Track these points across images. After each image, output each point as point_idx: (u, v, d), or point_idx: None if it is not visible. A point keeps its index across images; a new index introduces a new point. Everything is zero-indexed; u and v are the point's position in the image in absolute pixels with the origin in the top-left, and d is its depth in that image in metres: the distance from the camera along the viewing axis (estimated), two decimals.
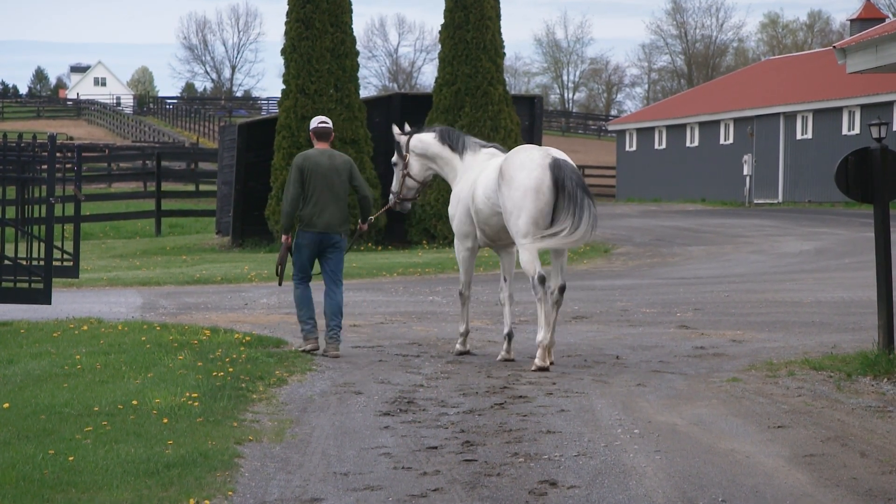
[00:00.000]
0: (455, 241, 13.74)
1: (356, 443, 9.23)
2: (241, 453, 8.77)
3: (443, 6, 30.64)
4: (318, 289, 13.73)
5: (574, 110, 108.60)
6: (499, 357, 13.16)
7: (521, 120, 31.00)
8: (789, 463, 8.58)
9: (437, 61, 31.78)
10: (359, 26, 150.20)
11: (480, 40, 30.18)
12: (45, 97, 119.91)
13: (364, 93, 33.17)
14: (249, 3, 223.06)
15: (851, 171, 12.14)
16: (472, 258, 13.59)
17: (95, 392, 10.63)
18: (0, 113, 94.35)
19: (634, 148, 60.60)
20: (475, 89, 30.19)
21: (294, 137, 29.21)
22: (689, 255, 27.65)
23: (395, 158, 14.16)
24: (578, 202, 12.45)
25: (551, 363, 12.58)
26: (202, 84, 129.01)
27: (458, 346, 13.56)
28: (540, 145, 32.20)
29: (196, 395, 10.53)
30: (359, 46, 30.48)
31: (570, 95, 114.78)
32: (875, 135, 12.39)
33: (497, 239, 13.31)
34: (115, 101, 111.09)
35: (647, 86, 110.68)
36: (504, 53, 30.91)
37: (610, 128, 69.75)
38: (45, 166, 16.24)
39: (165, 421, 9.61)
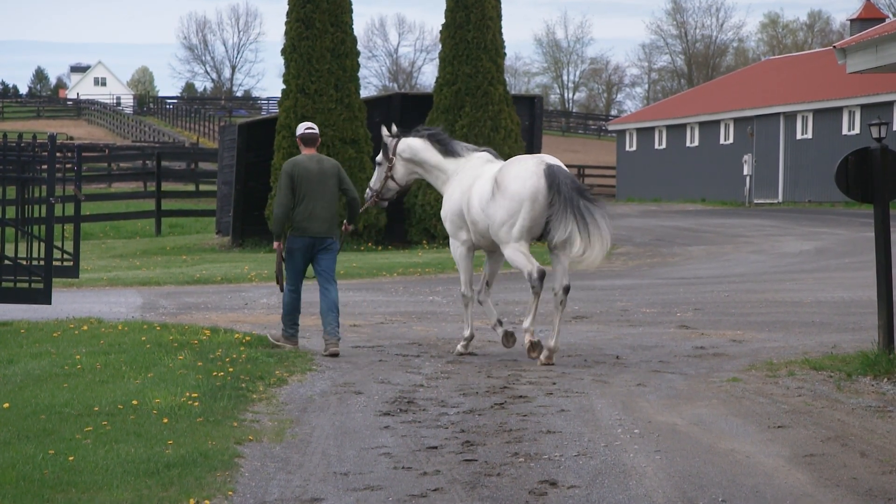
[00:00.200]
0: (451, 242, 13.81)
1: (356, 443, 9.23)
2: (241, 453, 8.77)
3: (443, 6, 30.65)
4: (314, 289, 13.71)
5: (574, 110, 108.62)
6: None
7: (521, 120, 31.01)
8: (789, 463, 8.58)
9: (436, 61, 31.82)
10: (359, 26, 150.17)
11: (481, 40, 30.18)
12: (46, 97, 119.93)
13: (364, 93, 33.17)
14: (249, 3, 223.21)
15: (851, 170, 12.14)
16: (469, 256, 13.65)
17: (95, 392, 10.63)
18: (0, 113, 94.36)
19: (634, 148, 60.60)
20: (476, 89, 30.19)
21: (294, 137, 29.18)
22: (689, 255, 27.66)
23: (379, 157, 14.22)
24: (578, 208, 12.59)
25: (552, 362, 12.71)
26: (202, 84, 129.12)
27: (459, 348, 13.57)
28: (540, 145, 32.45)
29: (196, 394, 10.53)
30: (359, 46, 30.48)
31: (571, 95, 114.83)
32: (875, 135, 12.39)
33: (493, 247, 13.46)
34: (115, 101, 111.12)
35: (647, 86, 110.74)
36: (505, 53, 30.93)
37: (610, 128, 69.76)
38: (45, 166, 16.25)
39: (165, 421, 9.61)
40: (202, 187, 44.87)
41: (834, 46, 14.40)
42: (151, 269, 25.18)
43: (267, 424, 9.83)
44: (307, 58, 29.45)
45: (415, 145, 13.96)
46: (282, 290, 13.80)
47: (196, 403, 10.23)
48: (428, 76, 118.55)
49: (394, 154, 14.03)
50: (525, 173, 12.88)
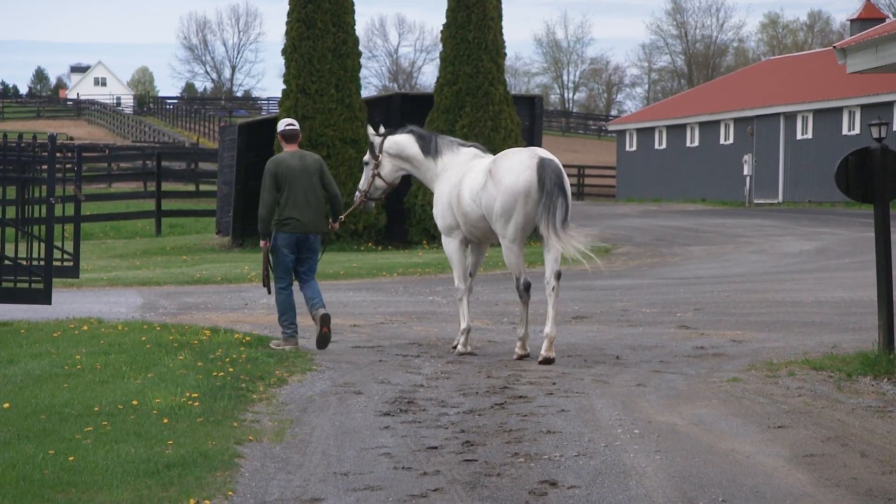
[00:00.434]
0: (443, 238, 13.96)
1: (356, 443, 9.23)
2: (241, 453, 8.77)
3: (443, 6, 30.65)
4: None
5: (574, 110, 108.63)
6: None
7: (521, 120, 31.02)
8: (789, 463, 8.58)
9: (437, 61, 31.84)
10: (359, 26, 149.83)
11: (482, 40, 30.18)
12: (46, 97, 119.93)
13: (364, 93, 33.18)
14: (249, 3, 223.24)
15: (852, 170, 12.14)
16: (461, 251, 13.80)
17: (95, 392, 10.63)
18: (0, 113, 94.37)
19: (634, 148, 60.60)
20: (476, 89, 30.19)
21: None
22: (689, 255, 27.65)
23: (366, 157, 14.37)
24: (553, 200, 12.84)
25: (552, 359, 12.83)
26: (202, 84, 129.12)
27: (459, 348, 13.61)
28: (540, 146, 32.44)
29: (196, 395, 10.53)
30: (359, 46, 30.47)
31: (571, 95, 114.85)
32: (875, 135, 12.39)
33: (483, 239, 13.70)
34: (115, 101, 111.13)
35: (647, 86, 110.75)
36: (505, 54, 30.92)
37: (610, 128, 69.76)
38: (45, 166, 16.24)
39: (165, 421, 9.61)
40: (202, 187, 44.87)
41: (834, 46, 14.40)
42: (151, 270, 25.18)
43: (267, 424, 9.83)
44: (308, 58, 29.45)
45: (401, 141, 14.16)
46: (269, 291, 13.92)
47: (196, 403, 10.23)
48: (428, 76, 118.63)
49: (380, 152, 14.19)
50: (519, 166, 13.05)
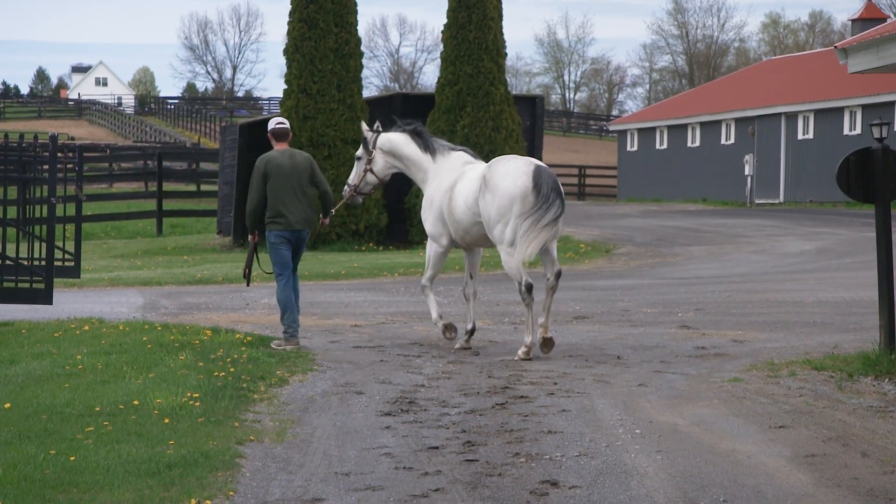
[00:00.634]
0: (428, 241, 14.23)
1: (357, 443, 9.23)
2: (242, 453, 8.78)
3: (444, 6, 30.67)
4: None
5: (575, 110, 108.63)
6: (456, 345, 13.83)
7: (522, 120, 31.01)
8: (790, 463, 8.58)
9: (438, 61, 31.83)
10: (360, 26, 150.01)
11: (483, 40, 30.19)
12: (47, 97, 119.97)
13: (365, 93, 33.16)
14: (251, 3, 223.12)
15: (853, 171, 12.14)
16: (442, 257, 14.18)
17: (97, 392, 10.63)
18: (1, 113, 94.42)
19: (636, 148, 60.60)
20: (477, 89, 30.19)
21: (295, 137, 29.21)
22: (690, 255, 27.65)
23: (359, 152, 14.58)
24: (550, 200, 13.05)
25: (547, 335, 13.19)
26: (203, 84, 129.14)
27: (443, 334, 14.14)
28: (541, 146, 32.43)
29: (197, 395, 10.53)
30: (360, 47, 30.47)
31: (572, 95, 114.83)
32: (876, 135, 12.39)
33: (475, 244, 13.95)
34: (116, 101, 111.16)
35: (648, 86, 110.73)
36: (506, 53, 30.93)
37: (611, 128, 69.75)
38: (46, 166, 16.25)
39: (167, 421, 9.61)
40: (203, 187, 44.90)
41: (835, 46, 14.40)
42: (153, 270, 25.19)
43: (268, 424, 9.83)
44: (310, 58, 29.45)
45: (395, 139, 14.37)
46: (247, 284, 14.50)
47: (197, 403, 10.24)
48: (429, 76, 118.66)
49: (374, 148, 14.40)
50: (515, 172, 13.24)
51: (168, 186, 41.62)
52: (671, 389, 11.26)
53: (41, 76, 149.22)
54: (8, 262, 15.54)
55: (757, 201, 49.73)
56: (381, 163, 14.43)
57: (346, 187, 14.64)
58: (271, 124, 14.04)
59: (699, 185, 55.03)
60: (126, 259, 28.87)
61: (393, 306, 18.27)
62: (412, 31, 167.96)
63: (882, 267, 12.11)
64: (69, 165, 21.87)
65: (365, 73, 31.25)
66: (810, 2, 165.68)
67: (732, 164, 52.26)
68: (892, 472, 8.36)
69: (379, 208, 29.82)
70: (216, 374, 11.55)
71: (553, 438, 9.28)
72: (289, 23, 29.86)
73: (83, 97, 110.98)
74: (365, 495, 7.87)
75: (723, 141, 54.28)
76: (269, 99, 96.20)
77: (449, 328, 14.18)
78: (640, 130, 60.45)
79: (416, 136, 14.28)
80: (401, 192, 30.11)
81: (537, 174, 13.14)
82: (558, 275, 13.30)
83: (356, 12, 30.06)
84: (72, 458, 8.37)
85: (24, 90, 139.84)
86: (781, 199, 49.33)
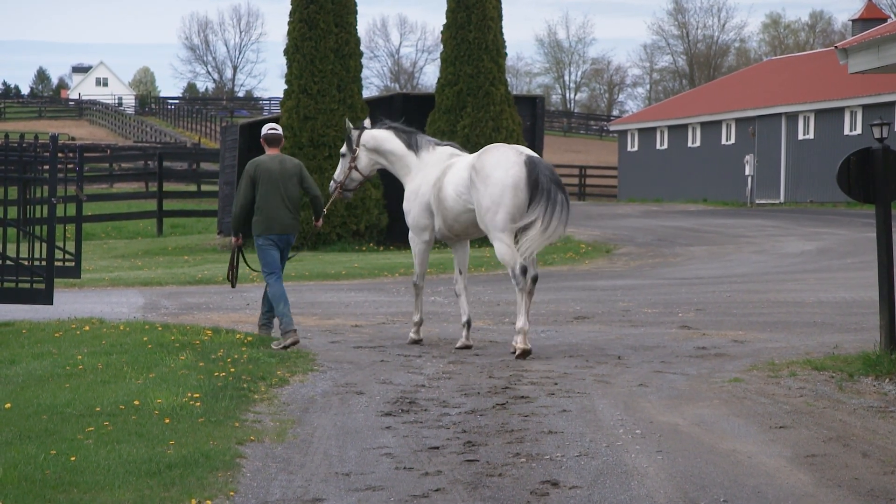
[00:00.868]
0: (411, 234, 14.47)
1: (358, 443, 9.23)
2: (242, 453, 8.78)
3: (444, 6, 30.64)
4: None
5: (576, 110, 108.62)
6: (458, 344, 13.88)
7: (522, 120, 31.00)
8: (791, 463, 8.58)
9: (438, 61, 31.78)
10: (360, 26, 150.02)
11: (482, 40, 30.18)
12: (47, 97, 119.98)
13: (365, 93, 33.20)
14: (251, 4, 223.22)
15: (853, 171, 12.14)
16: (427, 251, 14.40)
17: (97, 392, 10.63)
18: (2, 113, 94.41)
19: (636, 148, 60.60)
20: (477, 89, 30.18)
21: (296, 138, 29.21)
22: (690, 255, 27.65)
23: (343, 150, 14.83)
24: (552, 197, 13.09)
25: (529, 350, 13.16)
26: (204, 84, 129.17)
27: (411, 335, 14.26)
28: (542, 146, 32.42)
29: (198, 395, 10.53)
30: (361, 47, 30.48)
31: (572, 96, 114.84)
32: (877, 135, 12.39)
33: (464, 234, 14.08)
34: (116, 101, 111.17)
35: (648, 86, 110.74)
36: (506, 54, 30.91)
37: (612, 128, 69.76)
38: (46, 166, 16.25)
39: (167, 421, 9.61)
40: (204, 187, 44.89)
41: (836, 47, 14.39)
42: (153, 270, 25.19)
43: (269, 425, 9.83)
44: (310, 58, 29.46)
45: (379, 136, 14.60)
46: (233, 286, 14.71)
47: (198, 404, 10.24)
48: (430, 76, 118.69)
49: (357, 145, 14.62)
50: (507, 162, 13.34)
51: (168, 187, 41.62)
52: (672, 390, 11.25)
53: (42, 76, 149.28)
54: (8, 262, 15.54)
55: (757, 201, 49.73)
56: (364, 160, 14.69)
57: (332, 183, 14.91)
58: (264, 129, 14.23)
59: (700, 185, 55.03)
60: (126, 259, 28.87)
61: (393, 306, 18.28)
62: (413, 31, 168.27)
63: (882, 267, 12.11)
64: (70, 166, 21.86)
65: (365, 73, 31.30)
66: (811, 2, 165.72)
67: (733, 165, 52.27)
68: (892, 473, 8.36)
69: (379, 208, 29.81)
70: (217, 374, 11.55)
71: (553, 439, 9.28)
72: (289, 23, 29.86)
73: (84, 97, 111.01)
74: (365, 495, 7.87)
75: (723, 141, 54.28)
76: (270, 99, 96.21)
77: (416, 339, 14.19)
78: (640, 131, 60.45)
79: (400, 132, 14.50)
80: (401, 193, 30.04)
81: (530, 164, 13.23)
82: (535, 279, 13.37)
83: (356, 12, 30.05)
84: (72, 459, 8.37)
85: (25, 90, 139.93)
86: (782, 199, 49.33)
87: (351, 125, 14.75)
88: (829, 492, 7.93)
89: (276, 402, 10.76)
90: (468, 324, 13.93)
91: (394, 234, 30.63)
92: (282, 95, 30.65)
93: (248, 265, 14.64)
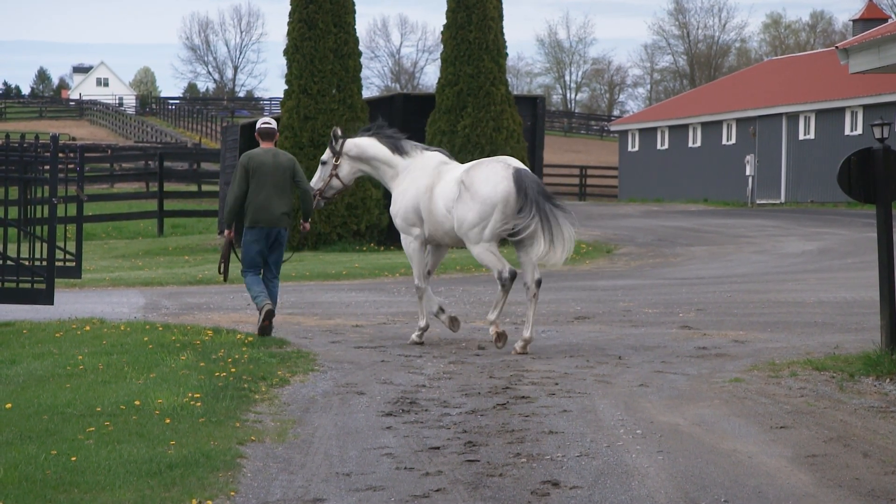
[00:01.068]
0: (403, 237, 14.44)
1: (358, 443, 9.23)
2: (243, 454, 8.78)
3: (445, 6, 30.63)
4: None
5: (576, 111, 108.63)
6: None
7: (523, 120, 30.99)
8: (792, 463, 8.58)
9: (439, 62, 31.77)
10: (361, 26, 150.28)
11: (483, 40, 30.17)
12: (48, 97, 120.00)
13: (366, 93, 33.22)
14: (252, 4, 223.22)
15: (854, 171, 12.14)
16: (422, 250, 14.33)
17: (98, 392, 10.63)
18: (3, 113, 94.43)
19: (637, 148, 60.60)
20: (478, 90, 30.18)
21: (297, 138, 29.23)
22: (691, 255, 27.65)
23: (325, 157, 14.85)
24: (541, 207, 13.32)
25: (526, 352, 13.36)
26: (204, 84, 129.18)
27: (413, 337, 14.28)
28: (542, 146, 32.38)
29: (198, 395, 10.53)
30: (361, 47, 30.49)
31: (573, 96, 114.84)
32: (878, 135, 12.39)
33: (450, 244, 14.28)
34: (117, 101, 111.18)
35: (649, 86, 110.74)
36: (506, 54, 30.91)
37: (612, 128, 69.77)
38: (47, 167, 16.26)
39: (168, 421, 9.61)
40: (204, 188, 44.89)
41: (836, 47, 14.39)
42: (154, 270, 25.19)
43: (269, 425, 9.83)
44: (310, 58, 29.46)
45: (362, 143, 14.65)
46: (224, 279, 14.86)
47: (198, 404, 10.24)
48: (430, 76, 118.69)
49: (340, 153, 14.63)
50: (495, 177, 13.52)
51: (169, 187, 41.61)
52: (672, 390, 11.25)
53: (42, 76, 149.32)
54: (9, 262, 15.55)
55: (758, 201, 49.73)
56: (346, 168, 14.71)
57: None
58: (259, 123, 14.46)
59: (700, 185, 55.04)
60: (127, 259, 28.87)
61: (394, 306, 18.27)
62: (413, 31, 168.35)
63: (883, 267, 12.11)
64: (70, 166, 21.86)
65: (366, 73, 31.35)
66: (811, 2, 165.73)
67: (733, 165, 52.27)
68: (893, 473, 8.35)
69: (380, 208, 29.80)
70: (217, 374, 11.55)
71: (554, 439, 9.28)
72: (289, 23, 29.87)
73: (84, 97, 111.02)
74: (366, 495, 7.87)
75: (724, 141, 54.28)
76: (270, 99, 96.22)
77: (418, 342, 14.24)
78: (641, 131, 60.45)
79: (384, 137, 14.56)
80: None
81: (517, 178, 13.43)
82: (538, 283, 13.58)
83: (354, 12, 30.05)
84: (73, 459, 8.37)
85: (26, 90, 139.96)
86: (782, 199, 49.34)
87: (339, 132, 14.78)
88: (829, 492, 7.93)
89: (277, 402, 10.76)
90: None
91: (394, 234, 30.58)
92: (282, 95, 30.65)
93: (239, 259, 14.67)
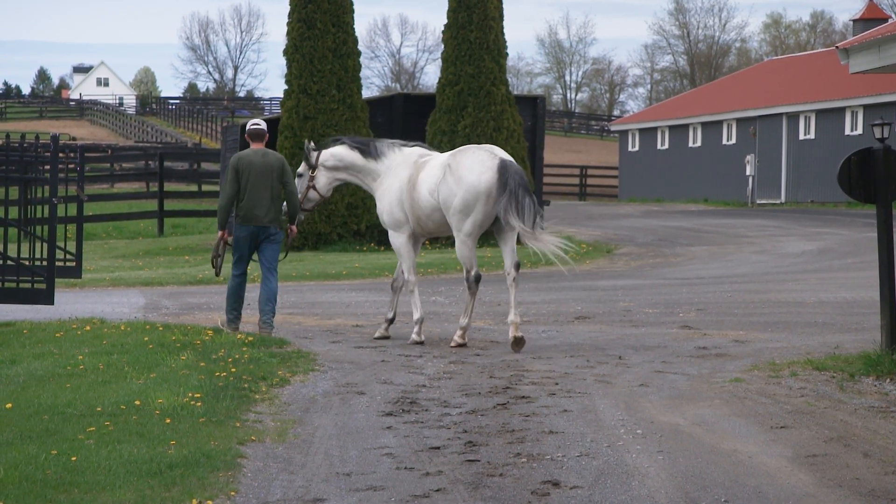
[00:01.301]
0: (390, 234, 14.68)
1: (359, 443, 9.24)
2: (243, 453, 8.78)
3: (445, 6, 30.62)
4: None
5: (577, 110, 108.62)
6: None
7: (523, 120, 30.98)
8: (792, 463, 8.58)
9: (439, 62, 31.75)
10: (361, 26, 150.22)
11: (483, 40, 30.17)
12: (48, 97, 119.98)
13: (366, 93, 33.22)
14: (252, 3, 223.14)
15: (854, 171, 12.14)
16: (409, 245, 14.56)
17: (98, 392, 10.63)
18: (3, 113, 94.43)
19: (637, 148, 60.60)
20: (478, 89, 30.17)
21: (296, 138, 29.21)
22: (691, 255, 27.65)
23: (301, 169, 15.09)
24: (519, 200, 13.53)
25: (522, 338, 13.60)
26: (205, 84, 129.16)
27: (413, 336, 14.36)
28: (542, 146, 32.37)
29: (199, 395, 10.53)
30: (361, 47, 30.49)
31: (573, 96, 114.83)
32: (878, 135, 12.41)
33: (436, 232, 14.47)
34: (117, 101, 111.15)
35: (649, 86, 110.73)
36: (507, 54, 30.90)
37: (613, 128, 69.77)
38: (47, 167, 16.26)
39: (168, 421, 9.61)
40: (205, 188, 44.89)
41: (836, 47, 14.40)
42: (154, 270, 25.19)
43: (269, 425, 9.83)
44: (309, 58, 29.46)
45: (338, 152, 14.91)
46: (217, 274, 14.90)
47: (199, 404, 10.24)
48: (430, 76, 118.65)
49: (316, 164, 14.89)
50: (480, 167, 13.77)
51: (169, 187, 41.61)
52: (672, 390, 11.26)
53: (42, 76, 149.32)
54: (9, 262, 15.55)
55: (758, 201, 49.72)
56: (323, 179, 14.96)
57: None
58: (248, 125, 14.59)
59: (700, 185, 55.04)
60: (127, 259, 28.88)
61: None
62: (413, 31, 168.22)
63: (883, 267, 12.11)
64: (70, 166, 21.85)
65: (366, 73, 31.38)
66: (812, 2, 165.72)
67: (734, 165, 52.27)
68: (893, 473, 8.35)
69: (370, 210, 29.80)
70: (217, 374, 11.55)
71: (554, 439, 9.28)
72: (288, 23, 29.86)
73: (84, 97, 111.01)
74: (366, 495, 7.87)
75: (724, 141, 54.28)
76: (271, 99, 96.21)
77: (419, 340, 14.33)
78: (641, 131, 60.45)
79: (351, 144, 14.83)
80: None
81: (502, 168, 13.65)
82: (517, 266, 13.84)
83: (353, 12, 30.05)
84: (73, 459, 8.37)
85: (26, 90, 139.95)
86: (783, 199, 49.33)
87: (312, 145, 15.03)
88: (829, 492, 7.93)
89: (277, 402, 10.76)
90: (391, 321, 14.62)
91: None
92: (282, 95, 30.65)
93: (224, 259, 14.82)
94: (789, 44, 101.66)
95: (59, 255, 17.59)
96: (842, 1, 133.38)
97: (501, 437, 9.35)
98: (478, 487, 8.01)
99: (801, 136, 49.14)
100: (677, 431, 9.52)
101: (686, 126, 57.23)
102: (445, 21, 30.65)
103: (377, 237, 30.09)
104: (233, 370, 11.80)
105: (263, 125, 14.57)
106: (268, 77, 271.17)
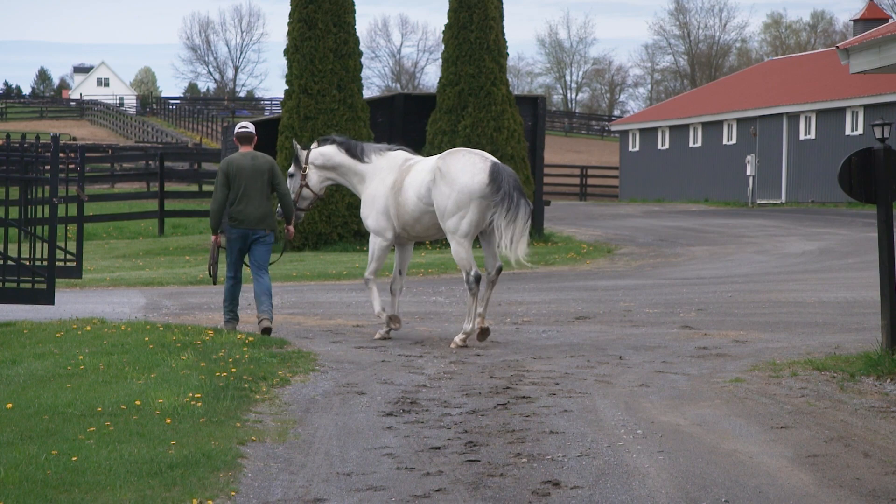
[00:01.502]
0: (371, 236, 14.81)
1: (359, 443, 9.24)
2: (244, 454, 8.78)
3: (446, 6, 30.64)
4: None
5: (577, 111, 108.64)
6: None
7: (524, 120, 30.98)
8: (792, 463, 8.58)
9: (439, 62, 31.75)
10: (362, 27, 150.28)
11: (484, 40, 30.17)
12: (49, 98, 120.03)
13: (367, 93, 33.22)
14: (252, 4, 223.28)
15: (855, 171, 12.14)
16: (387, 250, 14.80)
17: (98, 392, 10.63)
18: (3, 113, 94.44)
19: (637, 148, 60.60)
20: (478, 90, 30.17)
21: (297, 138, 29.21)
22: (692, 255, 27.65)
23: (291, 169, 15.31)
24: (514, 202, 13.63)
25: (487, 329, 13.92)
26: (205, 84, 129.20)
27: (380, 332, 14.61)
28: (543, 146, 32.40)
29: (199, 395, 10.54)
30: (362, 47, 30.48)
31: (574, 96, 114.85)
32: (878, 135, 12.39)
33: (424, 235, 14.63)
34: (118, 101, 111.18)
35: (650, 86, 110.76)
36: (507, 54, 30.90)
37: (613, 128, 69.78)
38: (48, 167, 16.26)
39: (168, 421, 9.61)
40: (205, 188, 44.86)
41: (837, 47, 14.39)
42: (154, 270, 25.19)
43: (270, 425, 9.83)
44: (310, 58, 29.46)
45: (327, 152, 15.06)
46: (213, 281, 15.08)
47: (199, 404, 10.24)
48: (431, 77, 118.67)
49: (306, 164, 15.09)
50: (473, 168, 13.88)
51: (170, 187, 41.62)
52: (673, 390, 11.26)
53: (43, 76, 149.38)
54: (10, 262, 15.55)
55: (759, 201, 49.73)
56: (315, 178, 15.13)
57: None
58: (236, 129, 14.89)
59: (701, 185, 55.04)
60: (128, 259, 28.87)
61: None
62: (414, 31, 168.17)
63: (884, 267, 12.11)
64: (71, 166, 21.85)
65: (367, 73, 31.37)
66: (812, 2, 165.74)
67: (734, 165, 52.28)
68: (893, 473, 8.36)
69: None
70: (218, 374, 11.55)
71: (555, 439, 9.28)
72: (289, 23, 29.86)
73: (85, 97, 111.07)
74: (367, 495, 7.87)
75: (724, 141, 54.29)
76: (271, 99, 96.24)
77: (393, 319, 14.66)
78: (641, 131, 60.45)
79: (340, 145, 14.95)
80: None
81: (495, 170, 13.75)
82: (499, 270, 14.09)
83: (354, 12, 30.05)
84: (73, 459, 8.37)
85: (26, 90, 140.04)
86: (783, 199, 49.33)
87: (298, 145, 15.25)
88: (830, 492, 7.93)
89: (278, 402, 10.76)
90: (392, 319, 14.65)
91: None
92: (282, 95, 30.64)
93: (220, 264, 14.89)
94: (790, 44, 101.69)
95: (60, 255, 17.60)
96: (842, 1, 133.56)
97: (502, 437, 9.35)
98: (478, 487, 8.02)
99: (802, 137, 49.15)
100: (678, 431, 9.52)
101: (686, 126, 57.23)
102: (446, 21, 30.66)
103: None
104: (233, 370, 11.80)
105: (252, 128, 14.76)
106: (268, 77, 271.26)
